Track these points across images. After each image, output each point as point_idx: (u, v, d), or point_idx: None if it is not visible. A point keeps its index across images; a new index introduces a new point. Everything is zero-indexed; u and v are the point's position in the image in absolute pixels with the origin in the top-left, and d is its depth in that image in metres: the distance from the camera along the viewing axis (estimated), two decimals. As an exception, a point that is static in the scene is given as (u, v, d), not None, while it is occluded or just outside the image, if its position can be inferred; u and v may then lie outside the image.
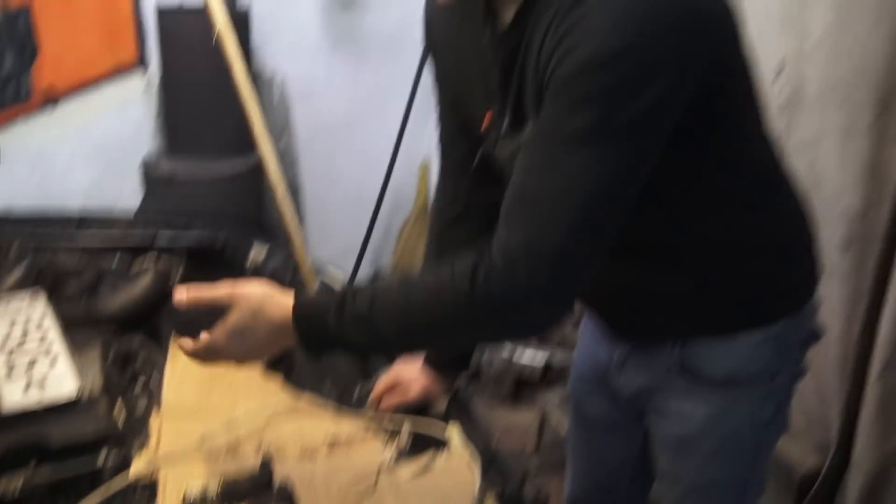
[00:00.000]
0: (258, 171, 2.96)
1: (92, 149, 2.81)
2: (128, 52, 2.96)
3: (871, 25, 1.62)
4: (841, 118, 1.75)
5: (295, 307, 0.96)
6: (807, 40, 1.77)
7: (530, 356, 2.88)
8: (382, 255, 3.78)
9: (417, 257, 3.54)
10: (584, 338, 1.39)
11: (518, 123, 0.97)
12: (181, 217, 1.94)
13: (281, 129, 3.32)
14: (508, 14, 0.95)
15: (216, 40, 1.57)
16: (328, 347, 0.98)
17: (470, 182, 1.27)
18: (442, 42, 1.16)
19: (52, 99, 2.66)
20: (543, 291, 0.85)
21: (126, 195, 2.85)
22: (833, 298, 1.83)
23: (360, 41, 3.42)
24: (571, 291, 0.90)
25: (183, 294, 0.99)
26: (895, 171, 1.69)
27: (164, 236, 1.76)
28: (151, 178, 2.86)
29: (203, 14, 2.84)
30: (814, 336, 1.20)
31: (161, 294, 1.53)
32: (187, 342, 1.01)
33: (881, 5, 1.60)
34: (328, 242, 3.34)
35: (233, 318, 0.97)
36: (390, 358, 1.36)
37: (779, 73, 1.85)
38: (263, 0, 3.08)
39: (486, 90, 1.03)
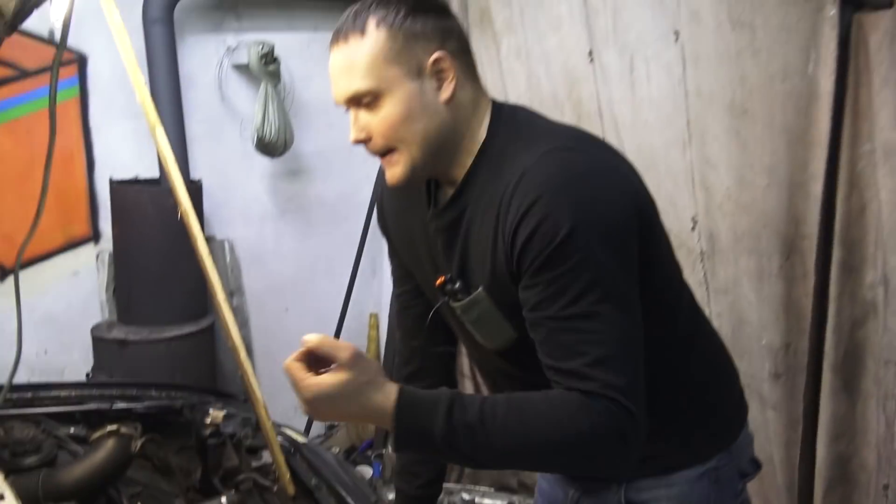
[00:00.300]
0: (210, 333, 3.02)
1: (41, 319, 2.82)
2: (80, 224, 3.05)
3: (765, 186, 1.87)
4: (753, 263, 1.96)
5: (399, 398, 0.97)
6: (713, 199, 2.01)
7: (491, 500, 2.88)
8: (364, 426, 3.78)
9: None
10: (542, 482, 1.45)
11: (466, 287, 1.11)
12: (136, 382, 1.96)
13: (232, 292, 3.39)
14: (447, 193, 1.13)
15: (180, 215, 1.67)
16: (425, 447, 0.99)
17: (425, 340, 1.38)
18: (392, 219, 1.31)
19: (1, 271, 2.70)
20: (639, 412, 0.98)
21: (75, 363, 2.83)
22: (770, 427, 1.95)
23: (306, 208, 3.62)
24: (644, 409, 1.00)
25: (313, 337, 0.98)
26: (808, 307, 1.87)
27: (121, 401, 1.78)
28: (102, 344, 2.86)
29: (156, 186, 3.01)
30: (751, 466, 1.28)
31: (124, 459, 1.53)
32: (300, 369, 0.98)
33: (772, 169, 1.85)
34: (281, 401, 3.32)
35: (341, 378, 0.96)
36: (479, 469, 1.39)
37: (694, 226, 2.07)
38: (214, 172, 3.26)
39: (432, 259, 1.18)
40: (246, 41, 3.22)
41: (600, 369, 0.96)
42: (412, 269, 1.30)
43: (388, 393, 0.97)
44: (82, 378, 2.71)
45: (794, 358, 1.92)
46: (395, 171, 1.08)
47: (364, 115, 1.06)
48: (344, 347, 0.97)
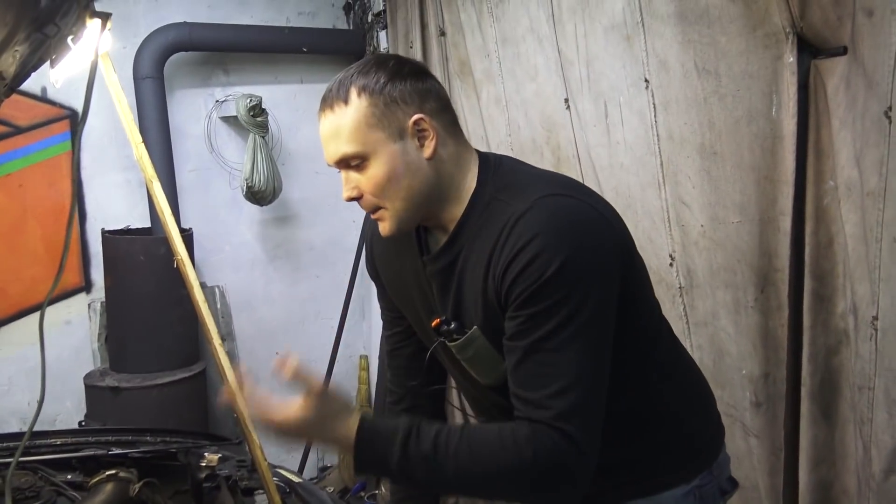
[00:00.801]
0: (202, 378, 3.04)
1: (33, 369, 2.84)
2: (72, 275, 3.10)
3: (737, 222, 1.95)
4: (729, 296, 2.03)
5: (359, 431, 1.06)
6: (689, 236, 2.10)
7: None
8: (327, 450, 3.78)
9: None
10: None
11: (461, 327, 1.18)
12: (131, 428, 1.98)
13: (223, 337, 3.43)
14: (439, 240, 1.21)
15: (176, 263, 1.73)
16: (382, 473, 1.10)
17: (415, 379, 1.44)
18: (382, 264, 1.38)
19: (-5, 323, 2.73)
20: (589, 448, 1.04)
21: (68, 412, 2.84)
22: (753, 455, 2.00)
23: (295, 253, 3.68)
24: (597, 447, 1.07)
25: (292, 361, 1.08)
26: (783, 338, 1.93)
27: (117, 447, 1.80)
28: (96, 392, 2.87)
29: (147, 235, 3.06)
30: (729, 485, 1.35)
31: (122, 502, 1.55)
32: (271, 398, 1.08)
33: (743, 207, 1.94)
34: (272, 443, 3.34)
35: (310, 408, 1.06)
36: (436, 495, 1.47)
37: (672, 262, 2.15)
38: (204, 220, 3.33)
39: (425, 301, 1.26)
40: (234, 94, 3.32)
41: (558, 401, 1.04)
42: (404, 311, 1.38)
43: (351, 424, 1.07)
44: (75, 427, 2.72)
45: (773, 387, 1.98)
46: (385, 225, 1.18)
47: (354, 176, 1.15)
48: (315, 379, 1.07)
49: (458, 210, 1.18)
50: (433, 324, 1.22)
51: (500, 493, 1.16)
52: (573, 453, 1.03)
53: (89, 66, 1.18)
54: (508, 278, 1.07)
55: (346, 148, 1.12)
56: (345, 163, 1.14)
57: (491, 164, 1.20)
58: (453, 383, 1.45)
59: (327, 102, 1.14)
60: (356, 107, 1.11)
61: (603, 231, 1.12)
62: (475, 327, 1.16)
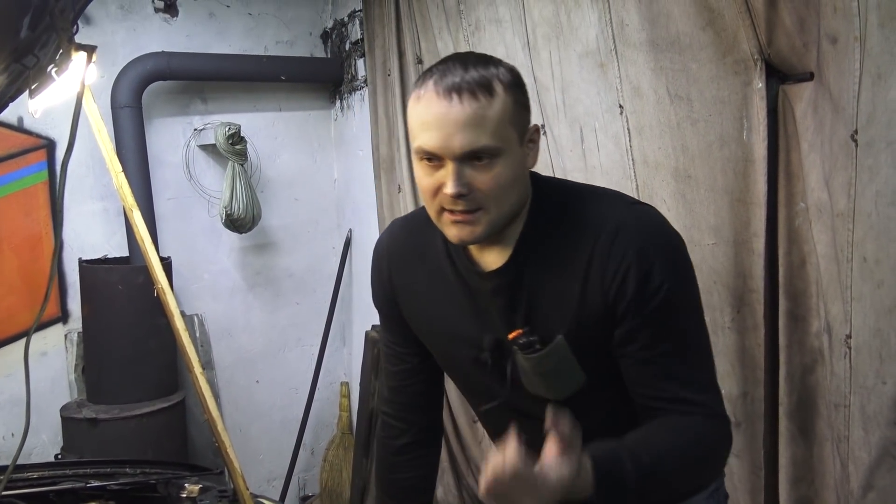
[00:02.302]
0: (181, 408, 3.00)
1: (7, 401, 2.79)
2: (49, 305, 3.05)
3: (713, 244, 1.98)
4: (707, 317, 2.01)
5: (595, 477, 1.00)
6: (666, 256, 2.12)
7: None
8: (308, 479, 3.75)
9: (344, 478, 3.53)
10: None
11: (544, 338, 1.15)
12: (110, 460, 1.96)
13: (203, 366, 3.39)
14: (485, 254, 1.20)
15: (156, 292, 1.73)
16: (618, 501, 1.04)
17: (420, 412, 1.44)
18: (405, 293, 1.33)
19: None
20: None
21: (43, 445, 2.79)
22: (734, 475, 2.01)
23: (274, 281, 3.67)
24: None
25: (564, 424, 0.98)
26: (760, 357, 1.96)
27: (96, 479, 1.77)
28: (73, 424, 2.83)
29: (125, 264, 3.04)
30: (725, 494, 1.42)
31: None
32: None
33: (717, 229, 1.97)
34: (254, 472, 3.31)
35: (570, 462, 0.96)
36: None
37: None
38: (183, 248, 3.31)
39: (473, 321, 1.23)
40: (213, 122, 3.33)
41: (709, 395, 1.15)
42: (426, 337, 1.34)
43: (586, 474, 1.00)
44: (51, 460, 2.67)
45: (751, 406, 2.00)
46: (474, 230, 1.11)
47: (469, 171, 1.07)
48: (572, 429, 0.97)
49: (519, 223, 1.17)
50: (510, 336, 1.17)
51: (698, 482, 1.24)
52: (729, 426, 1.17)
53: (74, 97, 1.19)
54: (628, 291, 1.10)
55: (488, 140, 1.05)
56: (473, 156, 1.06)
57: (533, 178, 1.20)
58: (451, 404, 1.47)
59: (464, 88, 1.05)
60: (503, 100, 1.07)
61: (675, 231, 1.18)
62: (560, 337, 1.14)
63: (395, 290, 1.35)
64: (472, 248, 1.21)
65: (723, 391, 1.98)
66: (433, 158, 1.08)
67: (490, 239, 1.15)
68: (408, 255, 1.32)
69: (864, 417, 1.68)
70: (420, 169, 1.11)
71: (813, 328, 1.84)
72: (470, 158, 1.06)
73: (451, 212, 1.10)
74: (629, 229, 1.11)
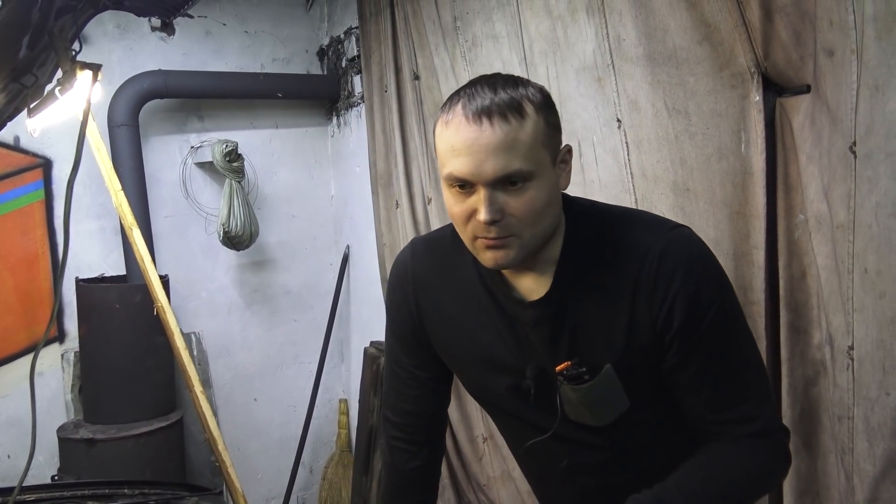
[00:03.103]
0: (178, 428, 2.98)
1: (3, 423, 2.77)
2: (45, 325, 3.04)
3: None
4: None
5: None
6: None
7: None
8: (308, 498, 3.72)
9: (343, 496, 3.50)
10: None
11: (592, 370, 1.15)
12: (108, 481, 1.93)
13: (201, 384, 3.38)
14: (528, 283, 1.16)
15: (156, 311, 1.72)
16: None
17: (432, 436, 1.42)
18: (433, 320, 1.29)
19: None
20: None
21: (39, 466, 2.76)
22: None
23: (271, 298, 3.66)
24: None
25: None
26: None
27: (94, 501, 1.76)
28: (69, 444, 2.80)
29: (122, 283, 3.02)
30: None
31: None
32: None
33: (717, 241, 1.97)
34: (253, 491, 3.28)
35: None
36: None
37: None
38: (180, 266, 3.30)
39: (513, 350, 1.20)
40: (209, 140, 3.33)
41: (763, 409, 1.14)
42: (455, 365, 1.32)
43: None
44: (48, 482, 2.64)
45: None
46: (507, 254, 1.07)
47: (502, 196, 1.04)
48: None
49: (555, 247, 1.14)
50: (558, 368, 1.15)
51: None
52: (787, 440, 1.18)
53: (73, 116, 1.19)
54: (677, 318, 1.10)
55: (521, 164, 1.02)
56: (507, 180, 1.03)
57: (565, 200, 1.17)
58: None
59: (494, 112, 1.02)
60: (535, 122, 1.03)
61: (709, 249, 1.18)
62: (608, 366, 1.13)
63: (421, 313, 1.30)
64: (507, 273, 1.18)
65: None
66: (465, 185, 1.05)
67: (525, 263, 1.12)
68: (435, 277, 1.27)
69: (869, 429, 1.67)
70: (451, 196, 1.07)
71: (815, 340, 1.83)
72: (503, 183, 1.03)
73: (485, 238, 1.07)
74: (672, 256, 1.10)
